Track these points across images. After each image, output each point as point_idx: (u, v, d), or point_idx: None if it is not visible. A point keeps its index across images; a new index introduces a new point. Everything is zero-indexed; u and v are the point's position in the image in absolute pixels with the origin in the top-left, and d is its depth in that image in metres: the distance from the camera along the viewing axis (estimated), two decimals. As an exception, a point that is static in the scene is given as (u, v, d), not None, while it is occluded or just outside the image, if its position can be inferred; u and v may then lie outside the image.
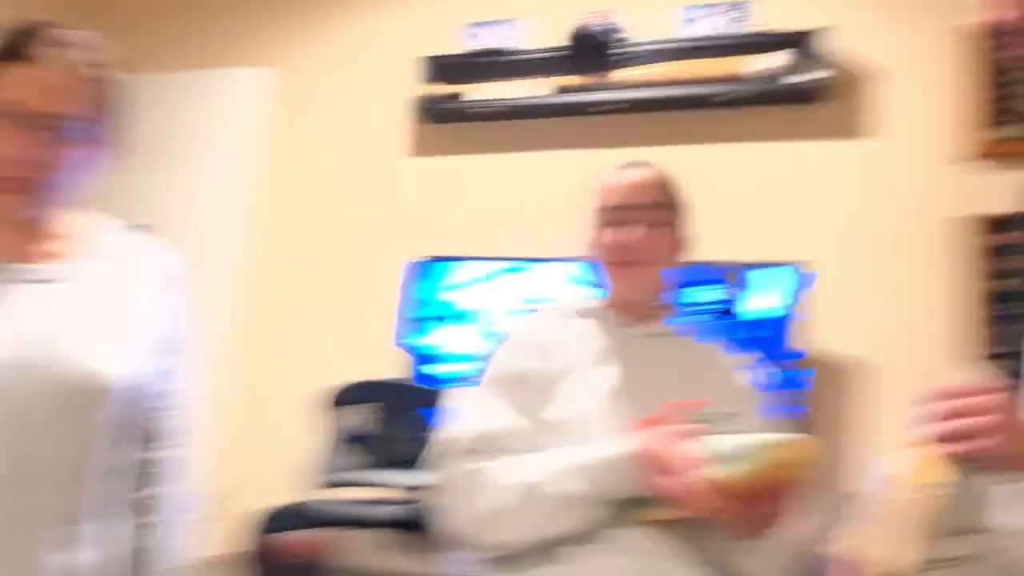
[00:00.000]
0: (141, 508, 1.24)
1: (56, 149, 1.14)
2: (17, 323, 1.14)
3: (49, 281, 1.19)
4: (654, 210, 1.42)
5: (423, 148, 2.78)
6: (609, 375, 1.37)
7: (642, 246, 1.40)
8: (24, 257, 1.19)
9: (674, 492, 1.18)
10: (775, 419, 1.45)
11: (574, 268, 2.13)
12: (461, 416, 1.37)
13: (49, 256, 1.21)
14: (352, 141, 2.85)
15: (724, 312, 2.24)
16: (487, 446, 1.31)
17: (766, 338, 2.17)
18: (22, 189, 1.15)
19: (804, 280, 2.20)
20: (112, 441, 1.18)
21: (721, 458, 1.20)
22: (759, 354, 1.98)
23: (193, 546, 1.31)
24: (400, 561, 2.00)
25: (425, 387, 2.02)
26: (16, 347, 1.13)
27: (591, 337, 1.42)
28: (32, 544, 1.11)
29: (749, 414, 1.40)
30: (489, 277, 2.46)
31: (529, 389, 1.36)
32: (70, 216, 1.24)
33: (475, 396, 1.40)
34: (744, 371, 1.49)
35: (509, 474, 1.29)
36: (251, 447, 2.64)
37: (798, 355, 2.17)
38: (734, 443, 1.21)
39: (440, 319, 2.47)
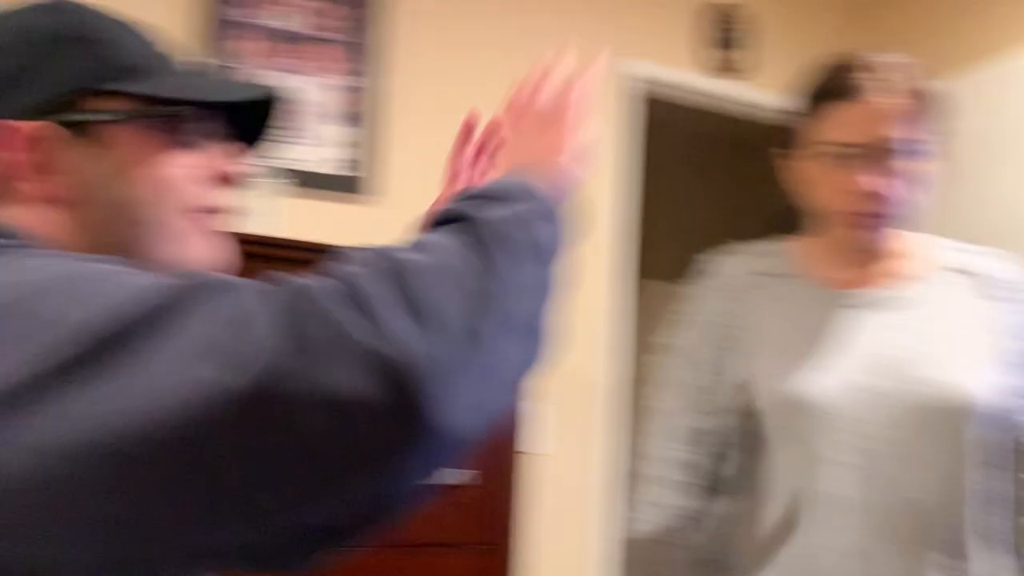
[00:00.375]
0: (1020, 539, 1.20)
1: (893, 176, 1.15)
2: (869, 348, 1.16)
3: (895, 303, 1.20)
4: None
5: None
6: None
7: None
8: (866, 281, 1.22)
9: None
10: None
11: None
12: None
13: (890, 278, 1.23)
14: None
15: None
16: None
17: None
18: (876, 224, 1.17)
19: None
20: (983, 466, 1.15)
21: None
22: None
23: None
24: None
25: None
26: (872, 371, 1.15)
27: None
28: (922, 571, 1.11)
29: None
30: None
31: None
32: (904, 236, 1.25)
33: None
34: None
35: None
36: None
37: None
38: None
39: None
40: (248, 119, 0.81)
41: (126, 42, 0.73)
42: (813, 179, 1.21)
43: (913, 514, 1.12)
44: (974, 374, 1.15)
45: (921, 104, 1.16)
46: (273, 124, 0.83)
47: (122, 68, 0.71)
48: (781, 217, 1.34)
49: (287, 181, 2.26)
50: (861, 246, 1.22)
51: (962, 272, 1.24)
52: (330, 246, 1.78)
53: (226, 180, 0.77)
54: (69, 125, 0.69)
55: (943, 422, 1.13)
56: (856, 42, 1.25)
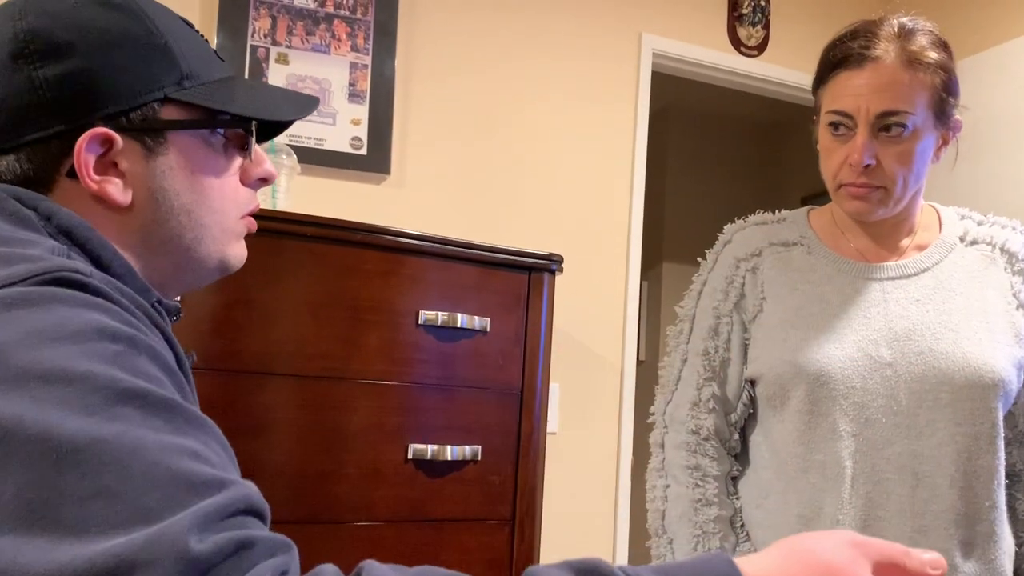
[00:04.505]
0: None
1: (902, 145, 1.14)
2: (887, 320, 1.16)
3: (914, 275, 1.20)
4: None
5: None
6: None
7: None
8: (885, 253, 1.22)
9: None
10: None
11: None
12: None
13: (909, 250, 1.23)
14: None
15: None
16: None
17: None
18: (863, 195, 1.16)
19: None
20: (995, 440, 1.14)
21: None
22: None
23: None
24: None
25: None
26: (890, 344, 1.14)
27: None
28: (942, 543, 1.11)
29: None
30: None
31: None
32: (920, 208, 1.25)
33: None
34: None
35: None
36: None
37: None
38: None
39: None
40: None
41: (188, 46, 0.74)
42: (820, 148, 1.21)
43: (926, 487, 1.11)
44: (996, 349, 1.14)
45: (931, 74, 1.14)
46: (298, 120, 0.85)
47: (187, 75, 0.73)
48: (811, 199, 1.33)
49: (295, 158, 2.25)
50: (859, 219, 1.22)
51: (981, 243, 1.23)
52: (339, 222, 1.78)
53: (265, 183, 0.81)
54: (137, 131, 0.71)
55: (965, 397, 1.12)
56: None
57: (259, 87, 0.81)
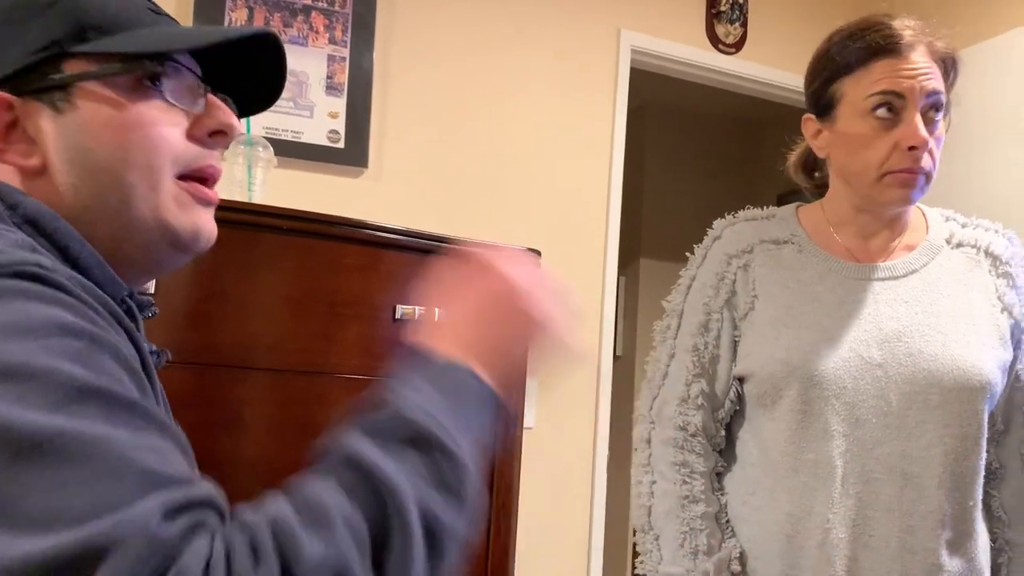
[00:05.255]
0: (1002, 507, 1.22)
1: (934, 132, 1.15)
2: (877, 321, 1.16)
3: (904, 277, 1.20)
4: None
5: None
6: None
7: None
8: (876, 254, 1.22)
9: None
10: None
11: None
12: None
13: (900, 251, 1.22)
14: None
15: None
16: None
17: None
18: (917, 182, 1.15)
19: None
20: (980, 441, 1.16)
21: None
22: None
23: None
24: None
25: None
26: (879, 345, 1.14)
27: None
28: (929, 543, 1.12)
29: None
30: None
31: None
32: (915, 208, 1.24)
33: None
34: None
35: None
36: None
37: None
38: None
39: None
40: (247, 82, 0.78)
41: (100, 1, 0.69)
42: (852, 138, 1.18)
43: (915, 488, 1.12)
44: (983, 351, 1.15)
45: (950, 68, 1.17)
46: (273, 85, 0.79)
47: (93, 26, 0.68)
48: (788, 197, 1.32)
49: (270, 150, 2.23)
50: (888, 213, 1.22)
51: (966, 246, 1.24)
52: (316, 216, 1.77)
53: (215, 138, 0.73)
54: (39, 91, 0.67)
55: (954, 399, 1.13)
56: (858, 17, 1.22)
57: (180, 29, 0.75)
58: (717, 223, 1.34)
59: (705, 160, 4.81)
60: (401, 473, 0.56)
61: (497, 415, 0.66)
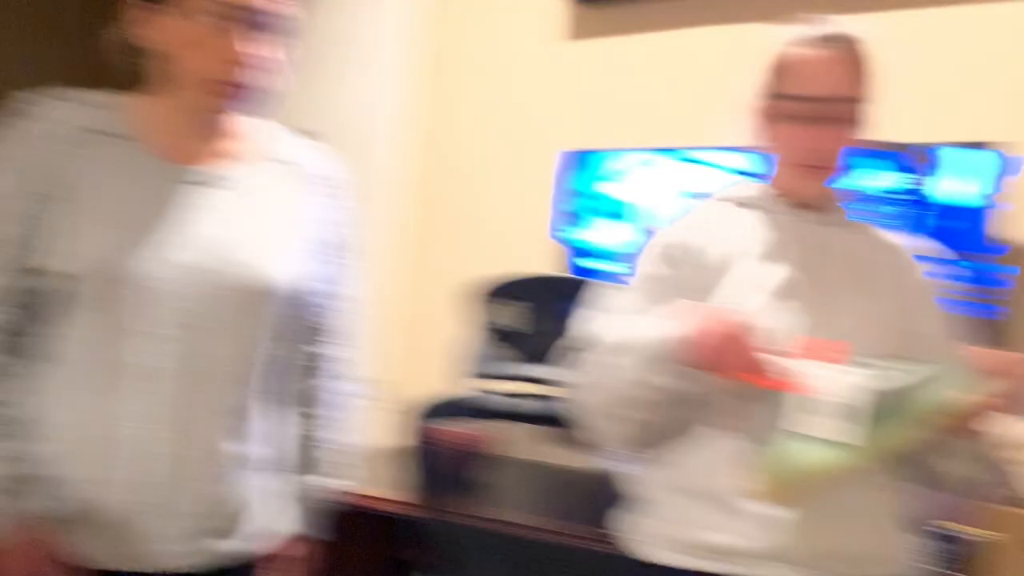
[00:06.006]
0: (306, 399, 1.35)
1: (264, 47, 1.20)
2: (194, 225, 1.22)
3: (224, 184, 1.26)
4: (853, 104, 1.25)
5: (580, 31, 2.64)
6: (777, 271, 1.26)
7: (838, 150, 1.26)
8: (201, 158, 1.26)
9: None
10: (960, 331, 1.30)
11: (740, 158, 1.98)
12: (603, 317, 1.32)
13: (224, 159, 1.27)
14: (506, 28, 2.75)
15: (911, 199, 2.02)
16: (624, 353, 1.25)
17: (960, 229, 1.94)
18: (239, 95, 1.21)
19: (1008, 164, 1.94)
20: (277, 338, 1.27)
21: (858, 413, 1.07)
22: (951, 247, 1.80)
23: (357, 436, 1.40)
24: (554, 455, 1.99)
25: (578, 280, 1.96)
26: (194, 251, 1.21)
27: (755, 228, 1.31)
28: (210, 433, 1.22)
29: (931, 329, 1.29)
30: (647, 167, 2.33)
31: (680, 289, 1.26)
32: (245, 119, 1.29)
33: (621, 297, 1.33)
34: (930, 267, 1.36)
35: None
36: (411, 341, 2.71)
37: (998, 249, 1.94)
38: (878, 388, 1.08)
39: (597, 212, 2.38)
40: None
41: None
42: (182, 39, 1.18)
43: (207, 383, 1.19)
44: (279, 259, 1.24)
45: None
46: None
47: None
48: (124, 69, 1.23)
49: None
50: (213, 117, 1.24)
51: (289, 162, 1.30)
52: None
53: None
54: None
55: (245, 301, 1.21)
56: None
57: None
58: (29, 96, 1.22)
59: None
60: None
61: None
